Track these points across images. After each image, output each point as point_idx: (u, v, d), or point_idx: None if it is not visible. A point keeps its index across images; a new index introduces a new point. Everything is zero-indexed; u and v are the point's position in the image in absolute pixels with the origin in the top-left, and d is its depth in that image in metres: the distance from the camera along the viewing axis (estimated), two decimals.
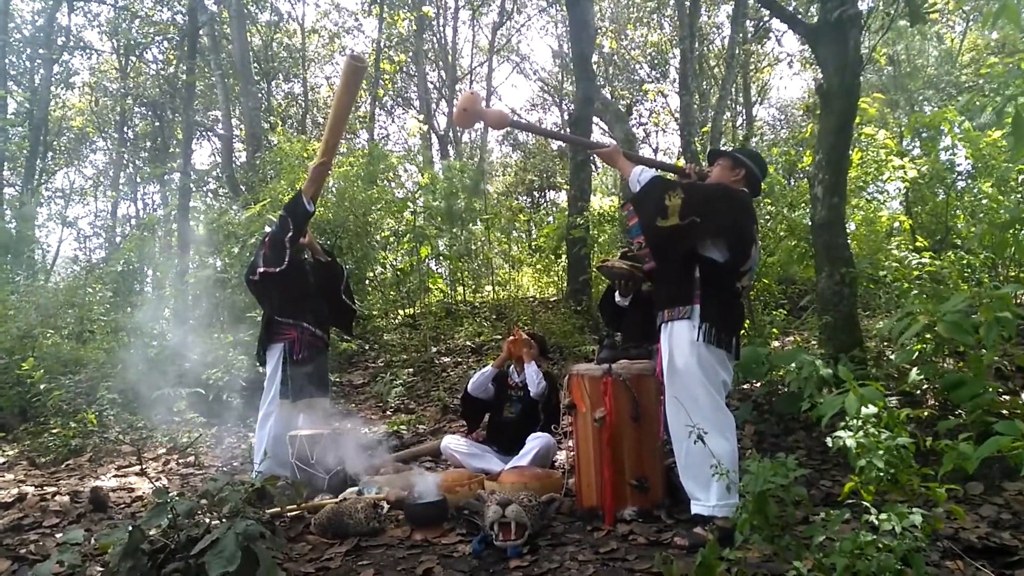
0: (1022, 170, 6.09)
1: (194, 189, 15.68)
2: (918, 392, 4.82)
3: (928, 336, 4.22)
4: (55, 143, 21.21)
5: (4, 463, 6.18)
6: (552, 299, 12.00)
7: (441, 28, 21.60)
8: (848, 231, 5.94)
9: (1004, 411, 3.91)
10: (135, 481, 5.34)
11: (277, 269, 4.58)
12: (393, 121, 23.63)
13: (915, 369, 4.38)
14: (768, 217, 7.18)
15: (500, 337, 8.90)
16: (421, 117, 19.81)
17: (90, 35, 21.86)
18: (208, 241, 11.20)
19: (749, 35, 16.87)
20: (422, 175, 12.97)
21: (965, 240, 6.78)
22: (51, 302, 9.88)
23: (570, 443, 4.10)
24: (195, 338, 8.57)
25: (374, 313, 10.74)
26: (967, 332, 3.41)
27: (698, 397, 3.33)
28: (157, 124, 21.42)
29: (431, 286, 12.15)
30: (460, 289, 12.58)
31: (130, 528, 2.72)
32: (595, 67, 13.32)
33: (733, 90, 17.62)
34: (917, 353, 4.47)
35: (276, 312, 4.72)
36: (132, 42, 18.36)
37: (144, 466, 5.76)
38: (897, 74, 16.69)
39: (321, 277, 5.04)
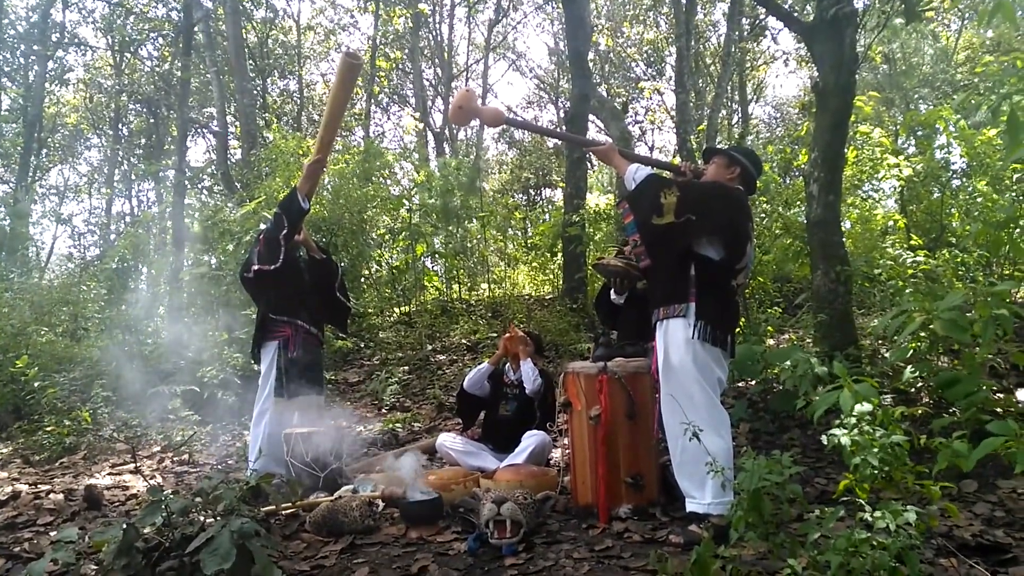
0: (1017, 168, 6.10)
1: (189, 186, 15.67)
2: (912, 390, 4.84)
3: (923, 334, 4.23)
4: (49, 140, 21.15)
5: None
6: (548, 297, 12.00)
7: (437, 25, 21.60)
8: (843, 229, 5.96)
9: (998, 409, 3.92)
10: (129, 479, 5.34)
11: (272, 267, 4.57)
12: (389, 118, 23.64)
13: (909, 367, 4.39)
14: (764, 215, 7.19)
15: (496, 335, 8.89)
16: (417, 114, 19.79)
17: (85, 31, 21.92)
18: (203, 238, 11.19)
19: (745, 33, 16.89)
20: (418, 172, 12.95)
21: (960, 238, 6.80)
22: (45, 299, 9.87)
23: (565, 441, 4.10)
24: (190, 336, 8.56)
25: (370, 311, 10.73)
26: (963, 330, 3.42)
27: (693, 395, 3.33)
28: (152, 121, 21.36)
29: (427, 284, 12.15)
30: (456, 287, 12.57)
31: (124, 526, 2.71)
32: (591, 65, 13.34)
33: (729, 88, 17.65)
34: (912, 351, 4.49)
35: (271, 310, 4.70)
36: (127, 38, 18.29)
37: (138, 464, 5.75)
38: (893, 72, 16.72)
39: (316, 274, 5.03)
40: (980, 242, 5.74)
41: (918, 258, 5.70)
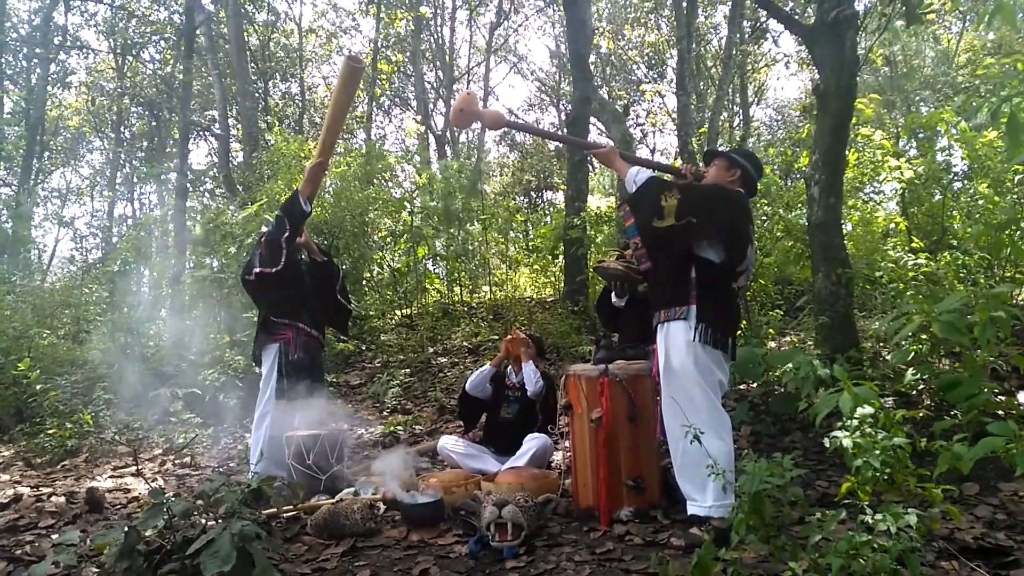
0: (1018, 171, 6.10)
1: (191, 189, 15.66)
2: (914, 392, 4.83)
3: (924, 337, 4.23)
4: (51, 143, 21.19)
5: (0, 464, 6.17)
6: (549, 299, 12.01)
7: (438, 28, 21.63)
8: (844, 232, 5.95)
9: (1000, 411, 3.92)
10: (131, 482, 5.34)
11: (273, 270, 4.57)
12: (390, 121, 23.65)
13: (911, 369, 4.39)
14: (765, 217, 7.19)
15: (497, 337, 8.90)
16: (418, 117, 19.82)
17: (87, 34, 21.91)
18: (204, 241, 11.18)
19: (746, 35, 16.90)
20: (419, 175, 12.97)
21: (961, 241, 6.79)
22: (47, 302, 9.88)
23: (567, 444, 4.10)
24: (191, 338, 8.56)
25: (371, 313, 10.74)
26: (962, 332, 3.42)
27: (694, 397, 3.32)
28: (154, 124, 21.41)
29: (428, 286, 12.15)
30: (457, 289, 12.57)
31: (126, 529, 2.71)
32: (592, 67, 13.35)
33: (730, 90, 17.66)
34: (913, 354, 4.49)
35: (272, 312, 4.71)
36: (129, 41, 18.33)
37: (140, 467, 5.76)
38: (894, 75, 16.73)
39: (317, 277, 5.04)
40: (981, 244, 5.74)
41: (919, 260, 5.70)
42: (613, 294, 4.83)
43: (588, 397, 3.79)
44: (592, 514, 3.69)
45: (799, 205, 7.02)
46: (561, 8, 15.40)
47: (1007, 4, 3.10)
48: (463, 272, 12.53)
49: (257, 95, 18.08)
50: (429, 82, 21.72)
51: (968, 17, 15.37)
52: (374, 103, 20.13)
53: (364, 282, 11.25)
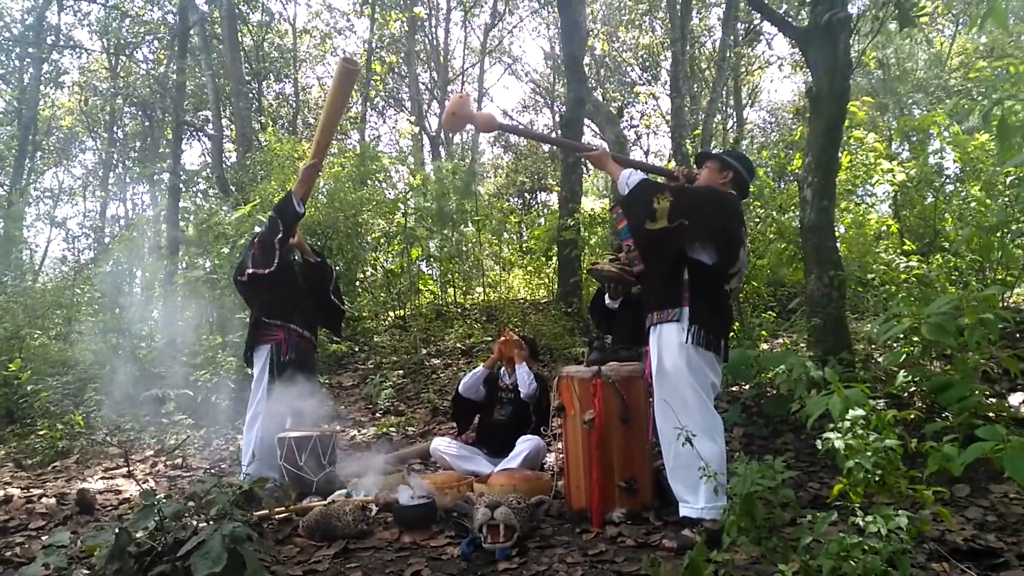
0: (1009, 173, 6.13)
1: (184, 189, 15.61)
2: (905, 394, 4.85)
3: (916, 339, 4.24)
4: (44, 142, 21.12)
5: None
6: (543, 301, 12.02)
7: (433, 29, 21.62)
8: (837, 234, 5.97)
9: (991, 413, 3.93)
10: (122, 483, 5.32)
11: (266, 271, 4.56)
12: (384, 122, 23.64)
13: (903, 371, 4.40)
14: (758, 220, 7.21)
15: (491, 339, 8.90)
16: (412, 118, 19.81)
17: (80, 34, 21.80)
18: (197, 242, 11.16)
19: (740, 38, 16.95)
20: (413, 176, 12.96)
21: (953, 243, 6.83)
22: (39, 303, 9.85)
23: (560, 445, 4.10)
24: (184, 339, 8.54)
25: (364, 315, 10.73)
26: (950, 334, 3.43)
27: (687, 399, 3.33)
28: (147, 124, 21.34)
29: (421, 288, 12.14)
30: (451, 291, 12.57)
31: (117, 530, 2.70)
32: (586, 69, 13.35)
33: (724, 93, 17.70)
34: (905, 356, 4.50)
35: (264, 313, 4.69)
36: (122, 41, 18.25)
37: (131, 468, 5.73)
38: (887, 77, 16.80)
39: (310, 278, 5.03)
40: (973, 247, 5.77)
41: (911, 263, 5.72)
42: (606, 296, 4.83)
43: (581, 399, 3.79)
44: (585, 515, 3.69)
45: (792, 207, 7.04)
46: (556, 10, 15.42)
47: (999, 8, 3.11)
48: (457, 273, 12.54)
49: (251, 95, 18.03)
50: (423, 83, 21.72)
51: (961, 20, 15.45)
52: (368, 104, 20.13)
53: (357, 283, 11.23)
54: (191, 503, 2.93)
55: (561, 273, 10.58)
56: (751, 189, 4.27)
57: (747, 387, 5.67)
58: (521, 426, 4.81)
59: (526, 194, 22.30)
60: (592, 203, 15.71)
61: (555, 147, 17.58)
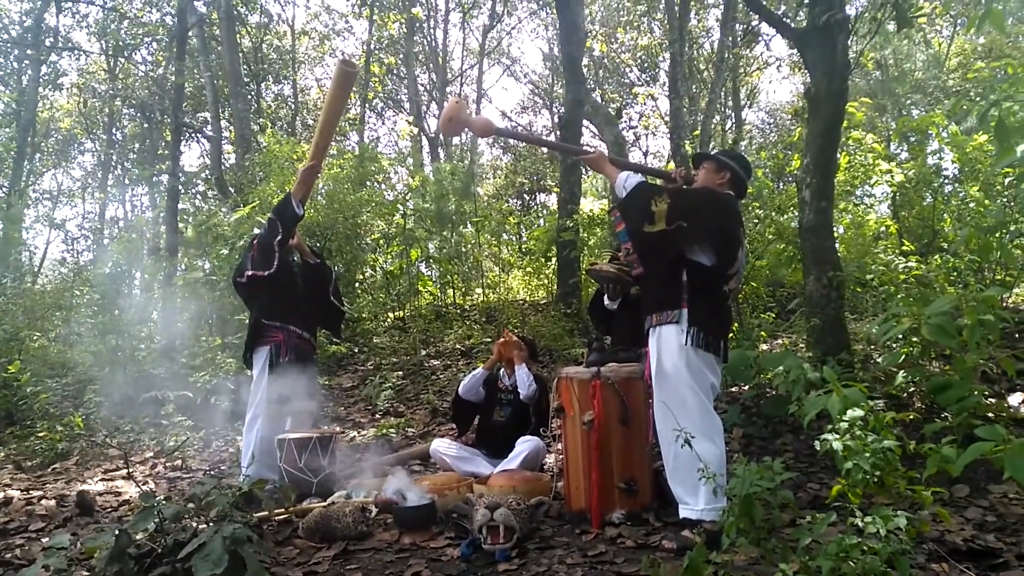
0: (1007, 174, 6.14)
1: (183, 191, 15.61)
2: (904, 395, 4.85)
3: (915, 339, 4.25)
4: (43, 144, 21.10)
5: None
6: (542, 302, 12.02)
7: (431, 30, 21.62)
8: (836, 235, 5.97)
9: (990, 414, 3.94)
10: (122, 485, 5.32)
11: (266, 272, 4.57)
12: (383, 123, 23.64)
13: (902, 372, 4.40)
14: (756, 221, 7.21)
15: (490, 340, 8.91)
16: (411, 119, 19.81)
17: (79, 36, 21.74)
18: (196, 243, 11.16)
19: (738, 39, 16.95)
20: (412, 177, 12.96)
21: (951, 243, 6.83)
22: (38, 304, 9.86)
23: (559, 446, 4.10)
24: (183, 341, 8.53)
25: (364, 316, 10.73)
26: (950, 335, 3.44)
27: (686, 401, 3.33)
28: (146, 126, 21.33)
29: (421, 289, 12.15)
30: (450, 292, 12.58)
31: (117, 532, 2.70)
32: (585, 70, 13.35)
33: (722, 94, 17.72)
34: (904, 356, 4.50)
35: (263, 315, 4.70)
36: (121, 43, 18.25)
37: (131, 470, 5.73)
38: (885, 78, 16.81)
39: (310, 279, 5.03)
40: (971, 247, 5.77)
41: (910, 263, 5.72)
42: (606, 297, 4.83)
43: (580, 400, 3.79)
44: (584, 517, 3.69)
45: (790, 208, 7.04)
46: (554, 11, 15.43)
47: (996, 9, 3.12)
48: (456, 274, 12.54)
49: (249, 97, 18.02)
50: (422, 84, 21.72)
51: (959, 21, 15.46)
52: (367, 105, 20.12)
53: (357, 284, 11.23)
54: (191, 505, 2.93)
55: (560, 274, 10.59)
56: (749, 190, 4.27)
57: (746, 388, 5.67)
58: (520, 427, 4.81)
59: (525, 195, 22.28)
60: (591, 204, 15.71)
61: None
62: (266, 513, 3.78)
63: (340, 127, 17.31)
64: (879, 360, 5.45)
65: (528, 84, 24.49)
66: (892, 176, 7.38)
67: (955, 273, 5.89)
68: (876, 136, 8.25)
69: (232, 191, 13.28)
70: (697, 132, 12.98)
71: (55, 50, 17.92)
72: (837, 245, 5.79)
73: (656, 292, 3.57)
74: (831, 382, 2.70)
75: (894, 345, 4.51)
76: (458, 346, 9.56)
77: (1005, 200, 6.33)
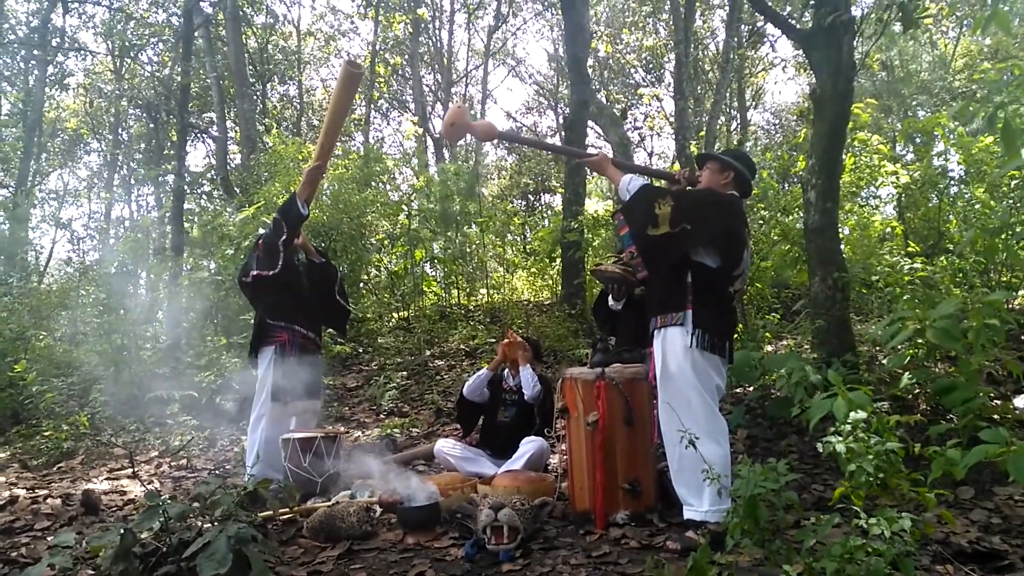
0: (1013, 176, 6.12)
1: (188, 191, 15.65)
2: (910, 396, 4.84)
3: (920, 341, 4.24)
4: (49, 144, 21.16)
5: None
6: (546, 303, 12.01)
7: (437, 31, 21.66)
8: (841, 236, 5.96)
9: (995, 416, 3.93)
10: (127, 484, 5.33)
11: (270, 272, 4.57)
12: (388, 124, 23.68)
13: (907, 374, 4.40)
14: (761, 222, 7.20)
15: (494, 340, 8.90)
16: (416, 120, 19.83)
17: (85, 36, 21.91)
18: (202, 243, 11.18)
19: (744, 40, 16.93)
20: (417, 178, 12.97)
21: (957, 245, 6.82)
22: (44, 304, 9.88)
23: (563, 447, 4.10)
24: (188, 341, 8.55)
25: (368, 316, 10.74)
26: (956, 339, 3.43)
27: (691, 402, 3.33)
28: (152, 126, 21.37)
29: (425, 289, 12.15)
30: (454, 292, 12.58)
31: (122, 531, 2.71)
32: (590, 71, 13.36)
33: (728, 95, 17.71)
34: (909, 358, 4.49)
35: (268, 315, 4.71)
36: (127, 44, 18.28)
37: (136, 469, 5.75)
38: (890, 79, 16.77)
39: (315, 279, 5.04)
40: (977, 249, 5.76)
41: (915, 265, 5.71)
42: (610, 297, 4.83)
43: (584, 400, 3.79)
44: (588, 517, 3.69)
45: (796, 209, 7.03)
46: (559, 12, 15.43)
47: (1002, 10, 3.12)
48: (460, 275, 12.54)
49: (255, 97, 18.07)
50: (427, 85, 21.75)
51: (965, 22, 15.42)
52: (372, 106, 20.15)
53: (361, 285, 11.24)
54: (196, 504, 2.94)
55: (565, 275, 10.58)
56: (754, 191, 4.26)
57: (751, 389, 5.67)
58: (525, 428, 4.82)
59: (530, 196, 22.29)
60: (596, 205, 15.73)
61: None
62: (270, 512, 3.79)
63: (345, 128, 17.33)
64: (884, 362, 5.45)
65: (533, 85, 24.54)
66: (898, 177, 7.36)
67: (961, 275, 5.88)
68: (882, 137, 8.24)
69: (237, 191, 13.31)
70: (702, 133, 12.95)
71: (61, 50, 17.96)
72: (842, 246, 5.78)
73: (660, 294, 3.57)
74: (836, 385, 2.70)
75: (899, 347, 4.50)
76: (462, 346, 9.57)
77: (1011, 202, 6.31)
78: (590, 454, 3.71)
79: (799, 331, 6.74)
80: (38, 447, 6.41)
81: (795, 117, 19.07)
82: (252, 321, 5.15)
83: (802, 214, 5.94)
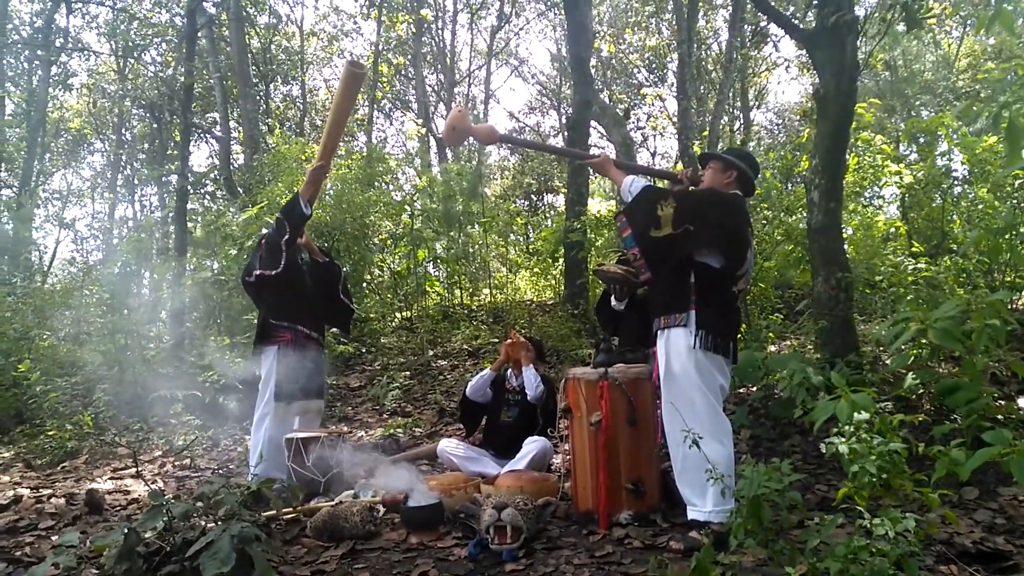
0: (1017, 176, 6.11)
1: (191, 191, 15.66)
2: (913, 397, 4.83)
3: (923, 341, 4.23)
4: (53, 144, 21.22)
5: (0, 465, 6.17)
6: (549, 303, 12.01)
7: (440, 31, 21.67)
8: (844, 236, 5.96)
9: (999, 416, 3.92)
10: (131, 483, 5.34)
11: (273, 272, 4.58)
12: (391, 124, 23.69)
13: (910, 374, 4.39)
14: (765, 222, 7.20)
15: (497, 340, 8.90)
16: (419, 120, 19.85)
17: (88, 37, 21.88)
18: (205, 243, 11.20)
19: (747, 40, 16.92)
20: (420, 178, 12.98)
21: (961, 245, 6.81)
22: (48, 304, 9.90)
23: (566, 447, 4.10)
24: (192, 340, 8.56)
25: (371, 316, 10.74)
26: (958, 339, 3.42)
27: (695, 402, 3.32)
28: (155, 126, 21.41)
29: (428, 289, 12.16)
30: (457, 292, 12.58)
31: (126, 530, 2.72)
32: (593, 71, 13.35)
33: (731, 94, 17.68)
34: (913, 358, 4.48)
35: (271, 315, 4.71)
36: (130, 44, 18.34)
37: (140, 468, 5.76)
38: (894, 79, 16.74)
39: (318, 278, 5.04)
40: (981, 249, 5.75)
41: (919, 265, 5.70)
42: (613, 297, 4.83)
43: (588, 400, 3.79)
44: (591, 517, 3.69)
45: (799, 209, 7.03)
46: (562, 12, 15.42)
47: (1006, 10, 3.11)
48: (463, 275, 12.54)
49: (258, 98, 18.10)
50: (430, 85, 21.77)
51: (968, 22, 15.39)
52: (375, 106, 20.16)
53: (364, 285, 11.25)
54: (199, 503, 2.95)
55: (568, 275, 10.58)
56: (758, 191, 4.25)
57: (754, 389, 5.66)
58: (528, 428, 4.81)
59: (532, 196, 22.30)
60: (598, 205, 15.73)
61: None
62: (274, 512, 3.79)
63: (348, 128, 17.34)
64: (888, 362, 5.44)
65: (536, 85, 24.56)
66: (901, 177, 7.35)
67: (964, 275, 5.87)
68: (885, 137, 8.23)
69: (241, 191, 13.32)
70: (705, 133, 12.94)
71: (65, 51, 18.01)
72: (846, 246, 5.78)
73: (663, 295, 3.57)
74: (839, 386, 2.69)
75: (903, 347, 4.50)
76: (465, 346, 9.57)
77: (1015, 202, 6.30)
78: (593, 454, 3.70)
79: (802, 331, 6.73)
80: (42, 447, 6.42)
81: (798, 117, 19.06)
82: (255, 321, 5.15)
83: (805, 214, 5.93)
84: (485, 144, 5.17)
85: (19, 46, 17.28)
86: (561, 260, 11.23)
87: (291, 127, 19.74)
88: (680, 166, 10.86)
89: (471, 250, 12.70)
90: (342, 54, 21.78)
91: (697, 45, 15.88)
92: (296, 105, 21.27)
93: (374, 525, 3.71)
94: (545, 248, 12.62)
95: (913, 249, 7.03)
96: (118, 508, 4.61)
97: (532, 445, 4.56)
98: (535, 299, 12.95)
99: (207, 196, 17.72)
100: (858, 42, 5.57)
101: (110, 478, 5.59)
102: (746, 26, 16.27)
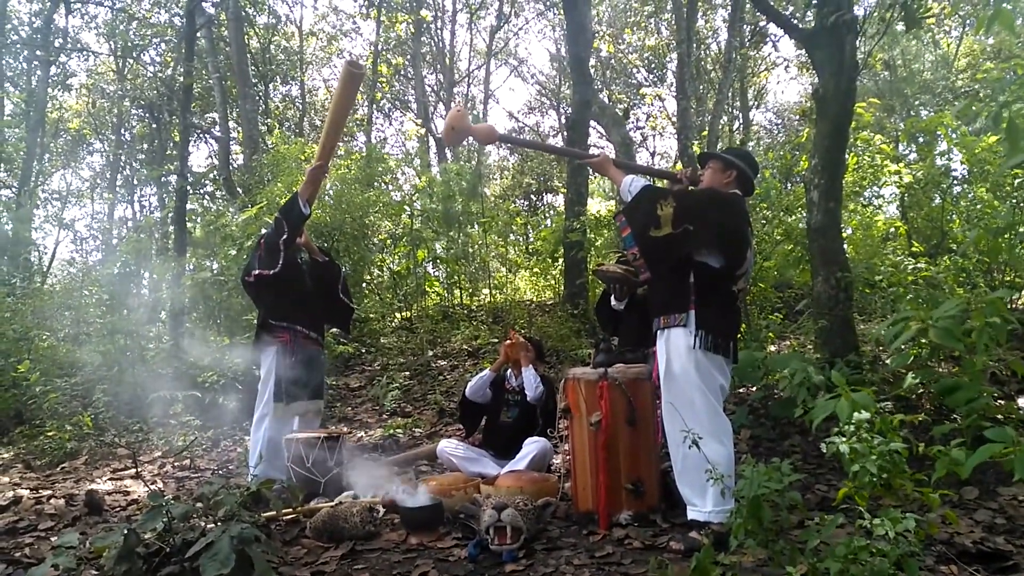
0: (1017, 175, 6.11)
1: (191, 191, 15.65)
2: (913, 396, 4.83)
3: (923, 341, 4.23)
4: (52, 145, 21.19)
5: (0, 466, 6.18)
6: (549, 303, 12.01)
7: (439, 31, 21.67)
8: (844, 235, 5.96)
9: (999, 415, 3.92)
10: (130, 484, 5.34)
11: (271, 272, 4.57)
12: (391, 124, 23.68)
13: (910, 374, 4.39)
14: (764, 221, 7.20)
15: (497, 340, 8.90)
16: (419, 120, 19.84)
17: (87, 37, 21.93)
18: (205, 243, 11.19)
19: (746, 40, 16.92)
20: (419, 178, 12.97)
21: (960, 245, 6.81)
22: (47, 304, 9.90)
23: (566, 447, 4.10)
24: (191, 341, 8.56)
25: (371, 316, 10.74)
26: (958, 338, 3.42)
27: (695, 402, 3.32)
28: (154, 126, 21.38)
29: (428, 289, 12.16)
30: (457, 292, 12.58)
31: (125, 531, 2.72)
32: (592, 71, 13.35)
33: (730, 94, 17.69)
34: (912, 358, 4.49)
35: (270, 315, 4.70)
36: (129, 44, 18.33)
37: (139, 469, 5.76)
38: (893, 79, 16.74)
39: (318, 277, 5.04)
40: (980, 248, 5.75)
41: (919, 264, 5.70)
42: (612, 297, 4.82)
43: (587, 401, 3.79)
44: (591, 518, 3.69)
45: (799, 209, 7.03)
46: (561, 12, 15.42)
47: (1005, 10, 3.11)
48: (463, 275, 12.54)
49: (257, 98, 18.09)
50: (429, 85, 21.76)
51: (968, 21, 15.39)
52: (374, 106, 20.16)
53: (364, 285, 11.25)
54: (199, 504, 2.95)
55: (567, 275, 10.57)
56: (757, 190, 4.25)
57: (754, 389, 5.66)
58: (528, 428, 4.81)
59: (532, 196, 22.27)
60: (598, 205, 15.73)
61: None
62: (274, 513, 3.79)
63: (347, 128, 17.34)
64: (888, 362, 5.44)
65: (535, 85, 24.54)
66: (901, 177, 7.35)
67: (964, 274, 5.87)
68: (884, 137, 8.24)
69: (240, 191, 13.32)
70: (705, 133, 12.93)
71: (64, 51, 18.01)
72: (845, 246, 5.78)
73: (663, 294, 3.56)
74: (839, 385, 2.69)
75: (903, 347, 4.50)
76: (465, 347, 9.57)
77: (1014, 201, 6.30)
78: (593, 454, 3.70)
79: (802, 331, 6.73)
80: (41, 447, 6.42)
81: (798, 117, 19.05)
82: (255, 321, 5.15)
83: (805, 214, 5.93)
84: (484, 144, 5.18)
85: (18, 46, 17.28)
86: (561, 260, 11.23)
87: (290, 127, 19.74)
88: (679, 166, 10.85)
89: (471, 250, 12.70)
90: (341, 54, 21.78)
91: (696, 45, 15.87)
92: (295, 105, 21.27)
93: (374, 526, 3.71)
94: (545, 248, 12.62)
95: (913, 249, 7.03)
96: (118, 509, 4.62)
97: (532, 445, 4.56)
98: (535, 299, 12.94)
99: (206, 196, 17.71)
100: (857, 42, 5.57)
101: (109, 479, 5.59)
102: (745, 26, 16.27)
